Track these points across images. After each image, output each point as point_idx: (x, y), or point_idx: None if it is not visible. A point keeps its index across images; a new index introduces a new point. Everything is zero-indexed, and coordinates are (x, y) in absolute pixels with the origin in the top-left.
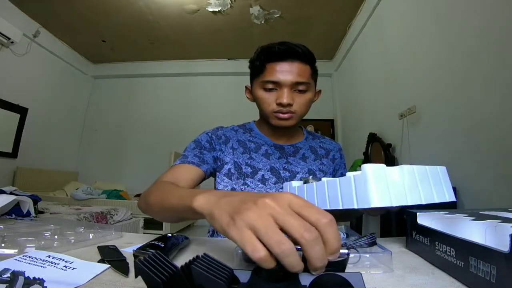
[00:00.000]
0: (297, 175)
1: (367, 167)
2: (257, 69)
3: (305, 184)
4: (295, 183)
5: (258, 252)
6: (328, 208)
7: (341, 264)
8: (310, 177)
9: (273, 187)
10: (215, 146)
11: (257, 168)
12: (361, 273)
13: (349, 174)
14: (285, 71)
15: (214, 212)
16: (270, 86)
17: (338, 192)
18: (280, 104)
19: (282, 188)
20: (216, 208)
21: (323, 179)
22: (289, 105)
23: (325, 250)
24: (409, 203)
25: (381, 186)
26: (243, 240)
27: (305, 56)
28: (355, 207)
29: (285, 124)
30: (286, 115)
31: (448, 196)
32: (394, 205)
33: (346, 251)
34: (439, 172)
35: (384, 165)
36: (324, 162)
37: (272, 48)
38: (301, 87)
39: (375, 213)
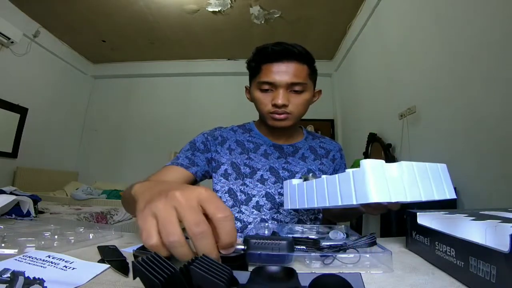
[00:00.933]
0: (296, 175)
1: (366, 162)
2: (253, 70)
3: (304, 182)
4: (295, 181)
5: (150, 240)
6: (328, 205)
7: (237, 260)
8: (310, 174)
9: (272, 187)
10: (210, 147)
11: (256, 168)
12: (360, 274)
13: (348, 170)
14: (281, 72)
15: (138, 199)
16: (266, 87)
17: (337, 189)
18: (275, 105)
19: (282, 187)
20: (140, 196)
21: (323, 176)
22: (284, 106)
23: (219, 244)
24: (408, 200)
25: (380, 181)
26: (143, 226)
27: (301, 56)
28: (354, 202)
29: (281, 125)
30: (281, 116)
31: (449, 193)
32: (393, 200)
33: (242, 247)
34: (439, 169)
35: (383, 161)
36: (324, 162)
37: (267, 49)
38: (297, 88)
39: (375, 212)
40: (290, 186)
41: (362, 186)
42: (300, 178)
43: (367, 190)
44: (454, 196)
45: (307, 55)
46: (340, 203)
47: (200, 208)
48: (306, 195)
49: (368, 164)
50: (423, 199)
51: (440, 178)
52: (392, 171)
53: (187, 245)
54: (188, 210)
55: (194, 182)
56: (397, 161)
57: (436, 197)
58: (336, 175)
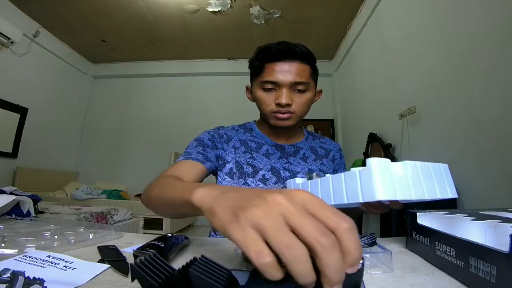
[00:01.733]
0: (298, 175)
1: (372, 161)
2: (256, 69)
3: (309, 180)
4: (299, 180)
5: (264, 258)
6: (333, 203)
7: (356, 276)
8: (314, 173)
9: (274, 186)
10: (217, 145)
11: (258, 168)
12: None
13: (354, 169)
14: (284, 71)
15: (214, 207)
16: (269, 86)
17: (343, 187)
18: (279, 104)
19: (285, 186)
20: (217, 203)
21: (327, 175)
22: (288, 105)
23: (344, 261)
24: (413, 198)
25: (386, 179)
26: (246, 241)
27: (304, 56)
28: (361, 200)
29: (284, 124)
30: (285, 115)
31: (450, 193)
32: (399, 198)
33: (360, 261)
34: (441, 169)
35: (388, 160)
36: (324, 162)
37: (271, 48)
38: (300, 87)
39: (377, 211)
40: (294, 185)
41: (369, 184)
42: (303, 177)
43: (374, 188)
44: (456, 196)
45: (310, 54)
46: (346, 201)
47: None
48: (320, 192)
49: (375, 162)
50: (427, 197)
51: (442, 177)
52: (397, 170)
53: (310, 260)
54: (304, 217)
55: (205, 177)
56: (397, 161)
57: (439, 196)
58: (342, 173)
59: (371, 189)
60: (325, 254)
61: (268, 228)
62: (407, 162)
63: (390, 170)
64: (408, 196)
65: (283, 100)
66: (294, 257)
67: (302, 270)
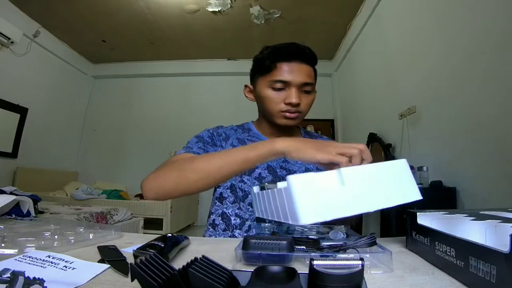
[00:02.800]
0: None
1: (292, 179)
2: (265, 68)
3: (261, 191)
4: (256, 189)
5: (340, 158)
6: (281, 220)
7: (357, 277)
8: (266, 183)
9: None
10: (216, 142)
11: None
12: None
13: (280, 184)
14: (296, 71)
15: (301, 147)
16: (279, 85)
17: (278, 205)
18: (289, 104)
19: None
20: (303, 145)
21: (279, 184)
22: (298, 104)
23: (364, 161)
24: (351, 214)
25: (312, 200)
26: (329, 156)
27: (311, 58)
28: (290, 222)
29: (291, 124)
30: (293, 115)
31: (411, 195)
32: (329, 219)
33: (359, 262)
34: (398, 168)
35: (312, 174)
36: None
37: (283, 48)
38: (307, 88)
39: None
40: (253, 194)
41: (292, 206)
42: (285, 180)
43: (297, 212)
44: (419, 197)
45: (315, 57)
46: (282, 220)
47: None
48: (267, 206)
49: (295, 181)
50: (374, 209)
51: (398, 178)
52: (329, 183)
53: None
54: (347, 148)
55: None
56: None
57: (395, 202)
58: (276, 189)
59: (294, 211)
60: (356, 157)
61: (338, 149)
62: (342, 170)
63: (317, 187)
64: (343, 213)
65: (294, 100)
66: (362, 149)
67: (350, 153)
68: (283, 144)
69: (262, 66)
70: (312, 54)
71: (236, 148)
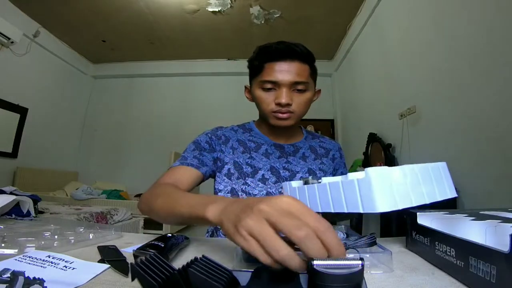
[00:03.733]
0: (297, 175)
1: (371, 171)
2: (255, 69)
3: (305, 185)
4: (295, 183)
5: (266, 259)
6: (333, 211)
7: (357, 277)
8: (310, 177)
9: (273, 186)
10: (215, 147)
11: (257, 168)
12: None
13: (351, 176)
14: (284, 71)
15: (223, 222)
16: (268, 85)
17: (341, 196)
18: (278, 104)
19: (281, 187)
20: (224, 218)
21: (324, 179)
22: (288, 105)
23: (330, 255)
24: (414, 204)
25: (386, 189)
26: (251, 250)
27: (303, 56)
28: (361, 211)
29: (284, 124)
30: (285, 115)
31: (450, 192)
32: (400, 207)
33: (359, 262)
34: (440, 168)
35: (386, 168)
36: (324, 162)
37: (270, 47)
38: (300, 87)
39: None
40: (290, 189)
41: (369, 196)
42: (300, 179)
43: (374, 200)
44: (455, 195)
45: (309, 54)
46: (346, 210)
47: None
48: (309, 199)
49: (374, 173)
50: (427, 201)
51: (441, 177)
52: (396, 177)
53: (297, 255)
54: (282, 216)
55: (201, 182)
56: (397, 161)
57: (439, 197)
58: (340, 181)
59: (371, 200)
60: (302, 245)
61: (258, 235)
62: (405, 167)
63: (389, 180)
64: (409, 203)
65: (283, 100)
66: (281, 258)
67: (292, 265)
68: (212, 214)
69: (253, 67)
70: (305, 51)
71: (187, 200)
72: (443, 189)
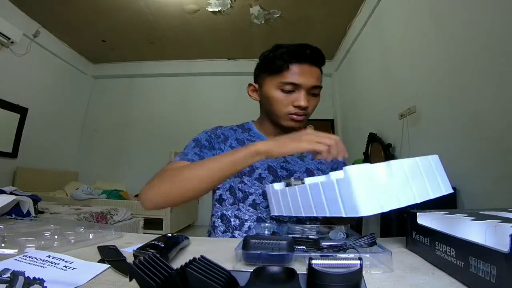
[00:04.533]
0: (295, 174)
1: (351, 170)
2: (276, 68)
3: (287, 188)
4: (277, 186)
5: (324, 143)
6: (315, 215)
7: (356, 277)
8: (292, 178)
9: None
10: (214, 145)
11: (254, 167)
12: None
13: (332, 175)
14: (307, 74)
15: (280, 143)
16: (289, 87)
17: (322, 198)
18: (298, 107)
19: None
20: (282, 141)
21: (307, 180)
22: (306, 108)
23: (339, 155)
24: (403, 205)
25: (369, 190)
26: (309, 144)
27: (322, 60)
28: (343, 215)
29: (297, 126)
30: (301, 117)
31: (444, 188)
32: (386, 209)
33: (358, 262)
34: (432, 162)
35: (368, 165)
36: (323, 161)
37: (297, 49)
38: (315, 91)
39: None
40: (272, 191)
41: (350, 198)
42: (282, 181)
43: (356, 202)
44: (450, 190)
45: (324, 59)
46: (328, 214)
47: None
48: (291, 202)
49: (354, 172)
50: (418, 201)
51: (433, 172)
52: (380, 174)
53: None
54: (320, 136)
55: None
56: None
57: (432, 195)
58: (319, 181)
59: (352, 203)
60: (336, 145)
61: (316, 138)
62: (391, 162)
63: (372, 178)
64: (396, 204)
65: (304, 103)
66: (332, 141)
67: (338, 148)
68: (264, 145)
69: (273, 66)
70: (323, 56)
71: (223, 154)
72: (436, 185)
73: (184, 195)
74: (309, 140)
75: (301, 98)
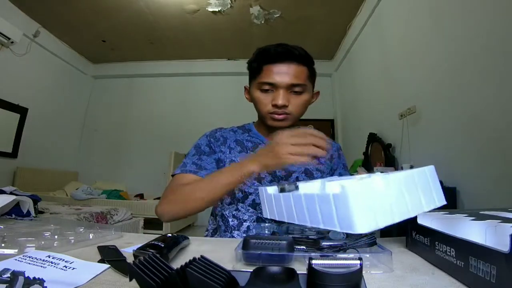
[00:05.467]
0: (293, 175)
1: (349, 188)
2: (254, 71)
3: (281, 193)
4: (271, 190)
5: (306, 156)
6: (309, 225)
7: (355, 277)
8: (286, 184)
9: (269, 185)
10: (215, 149)
11: None
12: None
13: (328, 188)
14: (282, 73)
15: (268, 165)
16: (266, 87)
17: (317, 210)
18: (275, 105)
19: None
20: (265, 162)
21: (301, 187)
22: (284, 106)
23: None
24: (396, 221)
25: (365, 208)
26: (291, 159)
27: (301, 58)
28: (338, 230)
29: (280, 125)
30: (281, 116)
31: (438, 200)
32: (382, 226)
33: (358, 262)
34: (428, 174)
35: (366, 182)
36: (322, 162)
37: (269, 49)
38: (297, 89)
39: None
40: (266, 195)
41: (346, 214)
42: (278, 185)
43: (352, 220)
44: (444, 202)
45: (307, 57)
46: (322, 227)
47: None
48: (285, 208)
49: (352, 190)
50: (412, 215)
51: (428, 184)
52: (377, 191)
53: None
54: (292, 137)
55: None
56: (397, 161)
57: (425, 208)
58: (315, 194)
59: (348, 220)
60: (313, 138)
61: (290, 149)
62: (390, 177)
63: (370, 197)
64: (390, 220)
65: (279, 102)
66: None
67: (313, 150)
68: (255, 167)
69: (251, 69)
70: (303, 54)
71: (219, 174)
72: (430, 197)
73: (194, 210)
74: (284, 155)
75: (277, 97)
